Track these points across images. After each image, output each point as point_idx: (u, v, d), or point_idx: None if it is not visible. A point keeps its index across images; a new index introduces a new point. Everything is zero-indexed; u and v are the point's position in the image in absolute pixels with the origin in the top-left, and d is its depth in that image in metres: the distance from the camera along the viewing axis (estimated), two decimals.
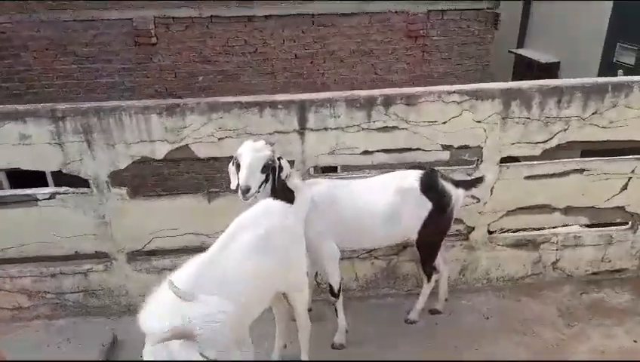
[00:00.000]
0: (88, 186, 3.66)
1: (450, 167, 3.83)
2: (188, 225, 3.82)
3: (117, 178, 3.67)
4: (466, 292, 4.15)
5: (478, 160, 3.79)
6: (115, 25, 8.68)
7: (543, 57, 11.90)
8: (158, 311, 2.29)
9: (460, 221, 3.90)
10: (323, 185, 3.45)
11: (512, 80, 12.98)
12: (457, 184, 3.49)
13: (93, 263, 3.92)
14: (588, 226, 4.23)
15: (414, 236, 3.48)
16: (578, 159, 3.88)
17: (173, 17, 8.66)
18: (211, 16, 8.67)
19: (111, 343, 3.75)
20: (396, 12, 9.03)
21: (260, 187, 3.10)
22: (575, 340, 3.68)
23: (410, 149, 3.72)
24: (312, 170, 3.79)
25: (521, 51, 12.64)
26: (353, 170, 3.87)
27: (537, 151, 3.76)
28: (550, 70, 11.68)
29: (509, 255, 4.12)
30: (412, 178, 3.41)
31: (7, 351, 3.45)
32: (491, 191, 3.84)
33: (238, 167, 3.09)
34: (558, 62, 11.78)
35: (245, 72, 9.25)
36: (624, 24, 10.09)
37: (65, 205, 3.69)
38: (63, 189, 3.70)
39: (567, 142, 3.76)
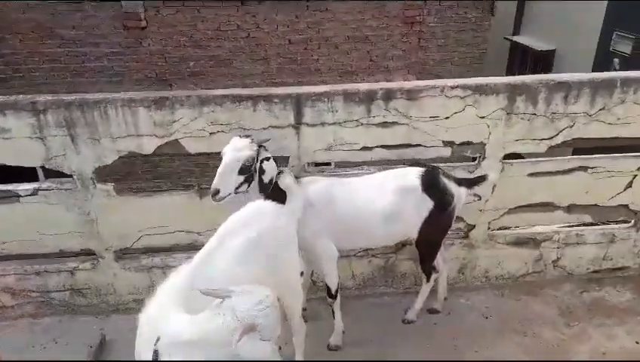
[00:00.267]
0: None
1: (451, 164, 3.66)
2: (178, 223, 3.64)
3: (105, 168, 3.46)
4: (465, 291, 4.03)
5: (480, 157, 3.63)
6: (103, 7, 8.30)
7: (538, 45, 11.69)
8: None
9: (460, 219, 3.75)
10: (320, 183, 3.27)
11: (507, 67, 12.81)
12: (459, 182, 3.32)
13: (79, 261, 3.74)
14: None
15: (414, 235, 3.33)
16: (582, 156, 3.73)
17: (163, 0, 8.32)
18: None
19: (99, 343, 3.59)
20: None
21: (238, 188, 2.96)
22: (576, 340, 3.58)
23: (410, 145, 3.54)
24: (306, 165, 3.60)
25: (516, 38, 12.41)
26: (351, 166, 3.67)
27: (542, 148, 3.60)
28: (546, 58, 11.49)
29: (510, 253, 3.98)
30: (413, 176, 3.24)
31: None
32: (493, 188, 3.69)
33: None
34: (554, 50, 11.58)
35: (237, 57, 8.94)
36: (621, 12, 9.89)
37: (48, 201, 3.49)
38: (45, 185, 3.49)
39: (573, 139, 3.60)
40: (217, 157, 3.10)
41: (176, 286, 2.31)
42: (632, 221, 4.01)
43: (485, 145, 3.57)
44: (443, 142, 3.54)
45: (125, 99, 3.24)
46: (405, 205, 3.21)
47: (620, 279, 4.11)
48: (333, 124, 3.42)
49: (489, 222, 3.85)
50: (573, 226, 4.03)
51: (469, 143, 3.56)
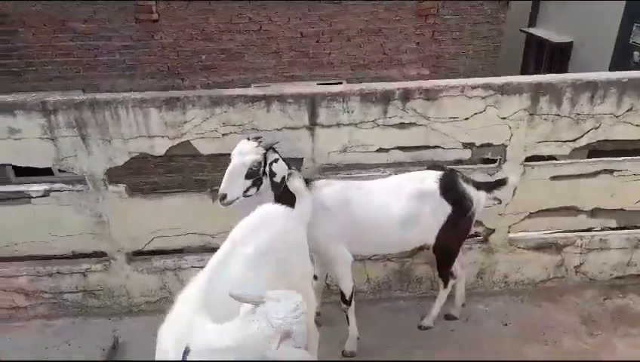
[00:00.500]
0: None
1: (470, 166, 3.53)
2: (190, 225, 3.55)
3: (116, 169, 3.38)
4: (483, 296, 3.90)
5: (501, 159, 3.49)
6: (114, 0, 8.23)
7: (555, 37, 11.38)
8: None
9: (479, 223, 3.62)
10: (335, 186, 3.16)
11: (523, 60, 12.52)
12: (479, 186, 3.19)
13: (91, 263, 3.68)
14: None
15: (431, 241, 3.21)
16: (607, 159, 3.57)
17: None
18: None
19: (112, 346, 3.54)
20: None
21: (246, 192, 2.90)
22: (600, 350, 3.44)
23: (428, 147, 3.41)
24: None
25: (532, 30, 12.10)
26: (367, 168, 3.55)
27: (565, 150, 3.45)
28: (563, 50, 11.20)
29: (530, 258, 3.85)
30: (431, 180, 3.11)
31: (4, 351, 3.26)
32: (513, 192, 3.55)
33: None
34: (571, 42, 11.28)
35: (249, 50, 8.81)
36: None
37: (60, 203, 3.42)
38: (57, 186, 3.42)
39: (598, 141, 3.45)
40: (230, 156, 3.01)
41: (195, 295, 2.23)
42: None
43: (506, 147, 3.43)
44: (462, 143, 3.40)
45: (136, 100, 3.15)
46: (422, 210, 3.09)
47: None
48: (349, 124, 3.30)
49: (509, 226, 3.71)
50: (596, 231, 3.87)
51: (489, 145, 3.42)
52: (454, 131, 3.35)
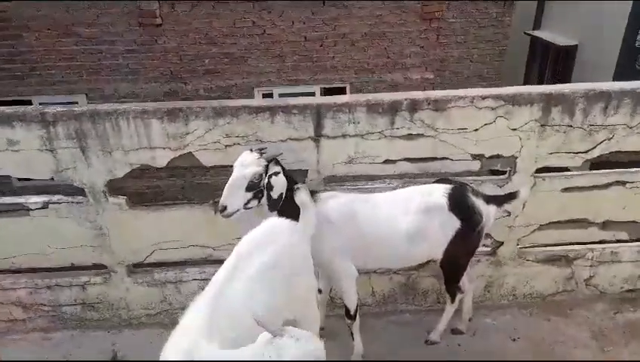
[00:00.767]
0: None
1: (479, 178, 3.42)
2: (192, 237, 3.46)
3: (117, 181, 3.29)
4: (491, 310, 3.79)
5: (511, 170, 3.38)
6: (118, 5, 8.14)
7: (560, 39, 11.20)
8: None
9: (487, 235, 3.51)
10: (341, 199, 3.06)
11: (527, 63, 12.38)
12: (488, 200, 3.08)
13: (91, 275, 3.58)
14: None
15: (439, 256, 3.10)
16: (620, 170, 3.45)
17: None
18: None
19: (111, 359, 3.45)
20: None
21: (247, 204, 2.82)
22: None
23: (436, 159, 3.30)
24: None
25: (537, 33, 11.93)
26: (373, 180, 3.45)
27: (577, 161, 3.34)
28: (567, 53, 11.03)
29: (539, 271, 3.73)
30: (439, 193, 3.00)
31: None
32: (523, 204, 3.43)
33: None
34: (576, 45, 11.12)
35: (253, 54, 8.71)
36: None
37: (59, 215, 3.33)
38: (56, 198, 3.33)
39: (610, 153, 3.33)
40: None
41: (200, 316, 2.12)
42: None
43: (516, 158, 3.31)
44: (471, 155, 3.29)
45: (137, 111, 3.05)
46: (430, 225, 2.98)
47: None
48: (355, 135, 3.20)
49: (518, 239, 3.60)
50: (608, 243, 3.75)
51: (499, 156, 3.31)
52: (463, 142, 3.24)
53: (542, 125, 3.21)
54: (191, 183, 8.89)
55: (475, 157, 3.30)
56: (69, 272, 3.57)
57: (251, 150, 2.91)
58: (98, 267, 3.55)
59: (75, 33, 8.38)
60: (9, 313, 3.63)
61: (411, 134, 3.21)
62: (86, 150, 3.13)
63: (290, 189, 2.92)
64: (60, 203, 3.31)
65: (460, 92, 3.14)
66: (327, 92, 9.09)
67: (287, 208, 2.84)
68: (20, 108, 3.09)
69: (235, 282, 2.28)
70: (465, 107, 3.13)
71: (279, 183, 2.87)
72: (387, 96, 3.12)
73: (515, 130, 3.22)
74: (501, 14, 8.98)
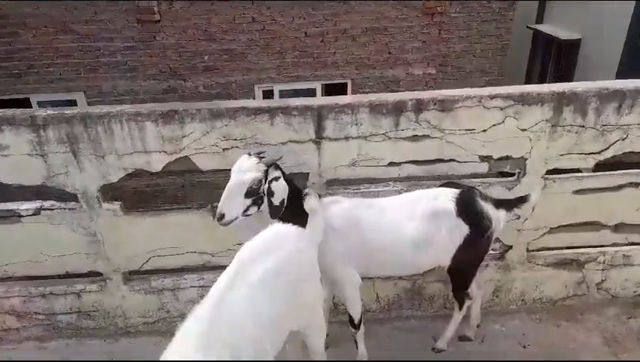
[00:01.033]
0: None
1: (487, 180, 3.26)
2: (190, 243, 3.31)
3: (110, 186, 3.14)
4: (499, 315, 3.65)
5: (520, 172, 3.22)
6: (116, 1, 7.96)
7: (563, 34, 10.99)
8: None
9: (496, 239, 3.35)
10: (344, 204, 2.91)
11: (530, 58, 12.18)
12: (498, 204, 2.92)
13: (86, 283, 3.44)
14: None
15: (447, 263, 2.95)
16: (634, 171, 3.29)
17: None
18: None
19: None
20: None
21: (246, 211, 2.68)
22: None
23: (442, 161, 3.15)
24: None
25: (539, 27, 11.72)
26: (377, 183, 3.30)
27: (589, 163, 3.18)
28: (571, 47, 10.82)
29: (549, 275, 3.59)
30: (446, 198, 2.85)
31: None
32: (533, 207, 3.28)
33: None
34: (579, 40, 10.91)
35: (252, 50, 8.54)
36: None
37: (52, 221, 3.18)
38: (48, 204, 3.18)
39: (624, 153, 3.17)
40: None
41: (199, 325, 1.99)
42: None
43: (526, 160, 3.16)
44: (479, 156, 3.14)
45: (131, 113, 2.90)
46: (437, 231, 2.83)
47: None
48: (358, 137, 3.04)
49: (527, 243, 3.45)
50: (620, 246, 3.60)
51: (507, 158, 3.16)
52: (471, 144, 3.08)
53: (553, 125, 3.05)
54: (191, 182, 8.75)
55: (483, 158, 3.14)
56: (63, 280, 3.43)
57: (250, 154, 2.76)
58: (93, 274, 3.41)
59: (72, 30, 8.21)
60: (2, 322, 3.50)
61: (417, 136, 3.05)
62: (78, 154, 2.98)
63: (293, 194, 2.78)
64: (52, 209, 3.17)
65: (468, 91, 2.98)
66: (328, 88, 8.93)
67: (291, 214, 2.71)
68: (9, 111, 2.93)
69: (236, 289, 2.14)
70: (473, 107, 2.98)
71: (280, 189, 2.73)
72: (391, 97, 2.96)
73: (524, 130, 3.06)
74: (504, 8, 8.80)
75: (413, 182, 3.26)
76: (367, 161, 3.11)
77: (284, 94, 8.79)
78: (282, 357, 2.61)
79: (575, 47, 10.88)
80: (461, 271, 3.02)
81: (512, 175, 3.28)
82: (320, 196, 2.85)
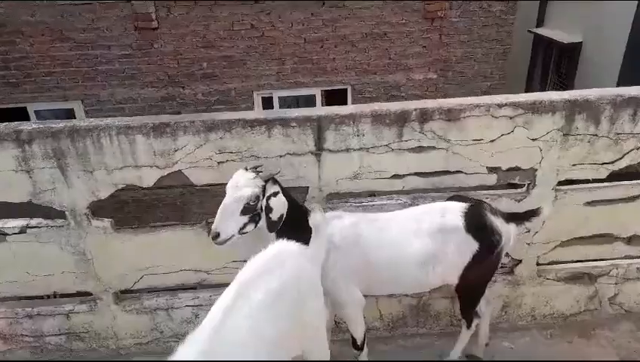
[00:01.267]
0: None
1: (495, 192, 3.09)
2: (184, 261, 3.13)
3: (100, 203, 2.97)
4: (508, 332, 3.46)
5: (530, 184, 3.04)
6: (113, 8, 7.83)
7: (564, 37, 10.84)
8: None
9: (505, 254, 3.17)
10: (345, 220, 2.74)
11: (530, 61, 12.01)
12: (508, 218, 2.75)
13: (75, 303, 3.26)
14: None
15: (455, 281, 2.77)
16: None
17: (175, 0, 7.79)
18: None
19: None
20: None
21: (243, 229, 2.52)
22: None
23: (448, 172, 2.97)
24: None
25: (540, 31, 11.57)
26: (379, 196, 3.12)
27: (603, 173, 3.00)
28: (572, 51, 10.66)
29: (560, 289, 3.40)
30: (454, 214, 2.67)
31: None
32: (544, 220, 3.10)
33: None
34: (581, 43, 10.75)
35: (251, 57, 8.38)
36: None
37: (39, 240, 3.01)
38: (35, 222, 3.01)
39: (639, 163, 3.00)
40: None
41: (197, 350, 1.83)
42: None
43: (536, 170, 2.98)
44: (487, 168, 2.96)
45: (120, 126, 2.73)
46: (445, 248, 2.65)
47: None
48: (360, 149, 2.87)
49: (538, 257, 3.27)
50: (634, 258, 3.41)
51: (517, 169, 2.98)
52: (478, 155, 2.91)
53: (564, 134, 2.87)
54: (190, 190, 8.58)
55: (491, 170, 2.97)
56: (51, 300, 3.25)
57: (246, 168, 2.59)
58: (83, 294, 3.23)
59: (69, 38, 8.07)
60: None
61: (421, 147, 2.87)
62: (65, 170, 2.81)
63: (292, 209, 2.62)
64: (39, 227, 2.99)
65: (475, 100, 2.81)
66: (328, 94, 8.77)
67: (291, 230, 2.54)
68: None
69: (237, 311, 1.99)
70: (480, 116, 2.80)
71: (279, 204, 2.56)
72: (394, 106, 2.79)
73: (535, 140, 2.89)
74: (504, 12, 8.64)
75: (418, 195, 3.08)
76: (370, 174, 2.94)
77: (283, 101, 8.63)
78: None
79: (576, 50, 10.71)
80: (470, 289, 2.83)
81: (522, 186, 3.10)
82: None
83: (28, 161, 2.78)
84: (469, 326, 3.04)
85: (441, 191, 3.06)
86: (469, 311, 2.98)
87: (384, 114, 2.77)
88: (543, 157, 2.93)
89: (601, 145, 2.91)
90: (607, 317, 3.50)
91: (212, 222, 3.00)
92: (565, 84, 10.85)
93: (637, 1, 9.52)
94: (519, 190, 3.11)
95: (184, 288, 3.27)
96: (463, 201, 2.76)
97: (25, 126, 2.74)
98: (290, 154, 2.85)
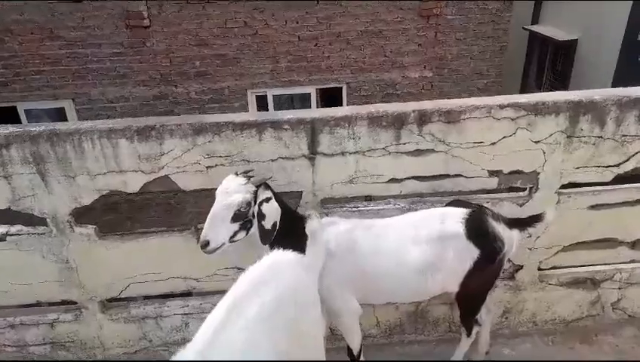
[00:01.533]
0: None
1: (496, 195, 2.95)
2: (172, 268, 2.98)
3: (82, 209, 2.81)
4: (509, 338, 3.33)
5: (532, 188, 2.91)
6: (104, 6, 7.63)
7: (559, 34, 10.72)
8: None
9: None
10: (340, 226, 2.60)
11: (526, 58, 11.90)
12: (510, 224, 2.61)
13: (60, 312, 3.11)
14: None
15: (455, 289, 2.64)
16: None
17: None
18: None
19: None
20: None
21: (233, 237, 2.38)
22: None
23: (448, 176, 2.83)
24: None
25: (535, 28, 11.45)
26: (376, 201, 2.98)
27: (607, 176, 2.87)
28: (567, 48, 10.56)
29: (562, 295, 3.27)
30: (455, 220, 2.53)
31: None
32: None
33: None
34: (576, 40, 10.64)
35: (245, 55, 8.22)
36: None
37: (20, 248, 2.84)
38: (15, 229, 2.84)
39: None
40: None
41: None
42: None
43: (539, 174, 2.84)
44: (488, 171, 2.82)
45: (103, 130, 2.57)
46: (445, 255, 2.51)
47: None
48: (355, 153, 2.72)
49: (540, 262, 3.14)
50: (636, 263, 3.29)
51: (519, 172, 2.84)
52: (479, 158, 2.77)
53: (568, 136, 2.74)
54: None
55: (492, 173, 2.83)
56: (34, 309, 3.10)
57: (236, 173, 2.44)
58: (68, 302, 3.08)
59: (59, 37, 7.88)
60: None
61: (420, 150, 2.73)
62: (46, 176, 2.64)
63: (286, 215, 2.47)
64: (20, 234, 2.83)
65: (476, 101, 2.67)
66: (322, 93, 8.62)
67: (284, 237, 2.41)
68: None
69: (231, 326, 1.85)
70: (481, 118, 2.66)
71: (272, 211, 2.41)
72: (392, 108, 2.64)
73: (537, 142, 2.75)
74: (500, 10, 8.52)
75: (416, 200, 2.94)
76: (366, 178, 2.79)
77: (278, 99, 8.47)
78: None
79: (572, 47, 10.61)
80: (470, 298, 2.70)
81: (523, 190, 2.97)
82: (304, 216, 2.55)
83: (6, 167, 2.61)
84: (469, 335, 2.91)
85: (440, 196, 2.92)
86: (469, 320, 2.85)
87: (381, 116, 2.62)
88: (546, 160, 2.80)
89: (606, 147, 2.78)
90: (610, 322, 3.38)
91: (201, 228, 2.88)
92: (561, 82, 10.74)
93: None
94: (521, 193, 2.98)
95: (174, 295, 3.12)
96: (463, 206, 2.62)
97: (1, 130, 2.57)
98: (282, 158, 2.70)
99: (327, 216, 2.79)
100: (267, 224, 2.40)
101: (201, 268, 2.97)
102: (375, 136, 2.67)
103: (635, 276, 3.27)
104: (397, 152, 2.72)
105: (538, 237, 3.03)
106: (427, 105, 2.66)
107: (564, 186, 2.91)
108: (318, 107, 8.50)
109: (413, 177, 2.81)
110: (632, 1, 9.39)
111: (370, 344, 3.28)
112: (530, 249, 3.07)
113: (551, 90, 10.96)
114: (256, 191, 2.41)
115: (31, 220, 2.81)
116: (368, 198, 3.02)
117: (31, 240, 2.83)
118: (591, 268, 3.25)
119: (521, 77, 11.95)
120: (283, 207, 2.50)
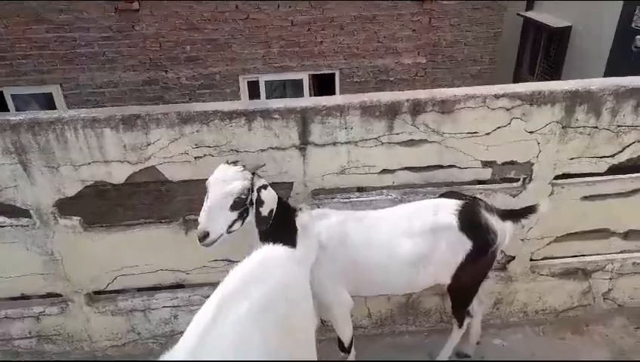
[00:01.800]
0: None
1: (489, 186, 2.90)
2: (160, 260, 2.91)
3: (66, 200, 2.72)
4: (499, 329, 3.32)
5: (526, 178, 2.86)
6: None
7: (553, 21, 10.63)
8: None
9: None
10: (331, 218, 2.53)
11: (520, 45, 11.81)
12: (504, 216, 2.56)
13: (45, 305, 3.04)
14: None
15: (447, 281, 2.60)
16: None
17: None
18: None
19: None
20: None
21: (231, 227, 2.30)
22: None
23: (441, 167, 2.77)
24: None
25: (529, 14, 11.34)
26: (368, 192, 2.92)
27: (602, 167, 2.82)
28: (561, 35, 10.47)
29: (553, 285, 3.25)
30: (447, 211, 2.47)
31: None
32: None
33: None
34: (570, 27, 10.55)
35: (236, 40, 8.05)
36: None
37: (3, 240, 2.76)
38: None
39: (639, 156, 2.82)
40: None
41: None
42: None
43: (533, 165, 2.79)
44: (482, 162, 2.76)
45: (86, 119, 2.47)
46: (437, 247, 2.46)
47: None
48: (347, 143, 2.65)
49: (532, 253, 3.10)
50: (629, 253, 3.27)
51: (513, 163, 2.79)
52: (472, 148, 2.71)
53: (563, 127, 2.68)
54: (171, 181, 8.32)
55: (485, 164, 2.77)
56: (19, 302, 3.02)
57: (228, 163, 2.37)
58: (53, 296, 3.01)
59: (46, 20, 7.65)
60: None
61: (413, 140, 2.66)
62: (28, 166, 2.55)
63: (278, 206, 2.41)
64: (3, 226, 2.74)
65: (470, 90, 2.59)
66: (315, 79, 8.50)
67: (275, 230, 2.35)
68: None
69: (220, 323, 1.79)
70: (475, 108, 2.59)
71: (270, 198, 2.35)
72: (385, 97, 2.56)
73: (532, 132, 2.69)
74: None
75: (409, 191, 2.88)
76: (358, 169, 2.73)
77: (270, 85, 8.34)
78: None
79: (565, 34, 10.52)
80: (462, 289, 2.67)
81: (517, 181, 2.92)
82: (294, 208, 2.49)
83: None
84: (460, 326, 2.88)
85: (434, 186, 2.86)
86: (460, 311, 2.82)
87: (374, 105, 2.54)
88: (540, 151, 2.74)
89: (601, 137, 2.73)
90: (601, 312, 3.37)
91: (190, 220, 2.81)
92: (554, 68, 10.68)
93: None
94: (515, 184, 2.93)
95: (162, 288, 3.06)
96: (456, 197, 2.56)
97: None
98: (272, 148, 2.62)
99: (318, 207, 2.73)
100: (265, 211, 2.34)
101: (190, 261, 2.91)
102: (368, 126, 2.59)
103: (627, 266, 3.25)
104: (390, 143, 2.65)
105: (531, 228, 2.99)
106: (421, 94, 2.58)
107: (558, 177, 2.86)
108: (310, 93, 8.39)
109: (406, 168, 2.75)
110: None
111: (362, 334, 3.25)
112: (523, 240, 3.04)
113: (544, 77, 10.90)
114: (253, 178, 2.34)
115: (14, 212, 2.72)
116: (360, 189, 2.96)
117: (14, 232, 2.74)
118: (583, 259, 3.23)
119: (515, 64, 11.87)
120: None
